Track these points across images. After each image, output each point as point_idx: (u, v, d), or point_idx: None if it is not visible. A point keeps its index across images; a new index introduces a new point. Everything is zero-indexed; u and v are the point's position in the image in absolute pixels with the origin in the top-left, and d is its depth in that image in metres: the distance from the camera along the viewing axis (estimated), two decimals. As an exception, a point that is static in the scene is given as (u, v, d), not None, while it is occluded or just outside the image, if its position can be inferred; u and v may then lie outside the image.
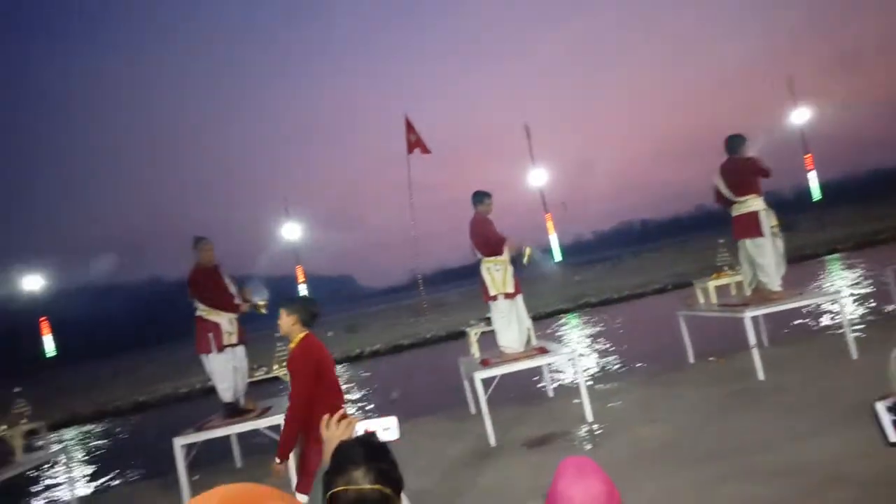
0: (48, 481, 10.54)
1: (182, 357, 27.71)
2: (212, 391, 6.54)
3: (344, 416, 1.72)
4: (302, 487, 3.52)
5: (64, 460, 7.34)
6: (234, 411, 6.14)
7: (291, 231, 28.21)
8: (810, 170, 30.81)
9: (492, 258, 6.52)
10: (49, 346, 26.47)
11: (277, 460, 3.47)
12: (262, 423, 5.85)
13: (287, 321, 3.61)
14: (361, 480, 1.27)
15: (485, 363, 6.42)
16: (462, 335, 9.31)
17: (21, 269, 25.84)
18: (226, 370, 6.10)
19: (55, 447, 7.74)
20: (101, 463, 12.42)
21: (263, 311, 6.04)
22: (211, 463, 6.98)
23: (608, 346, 13.25)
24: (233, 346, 6.11)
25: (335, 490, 1.27)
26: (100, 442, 15.35)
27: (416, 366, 17.85)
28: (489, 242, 6.52)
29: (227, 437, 6.58)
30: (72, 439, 15.94)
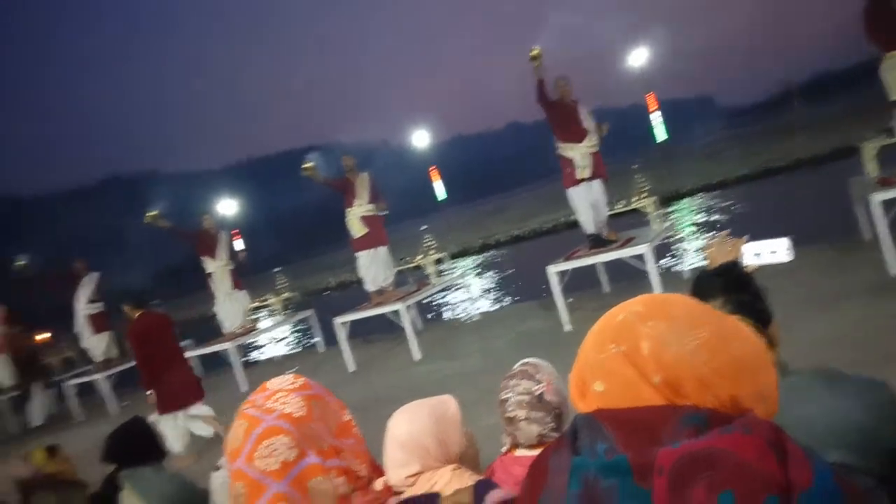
0: (455, 300, 13.01)
1: (547, 193, 29.97)
2: (576, 224, 7.00)
3: (727, 237, 1.63)
4: (160, 409, 5.08)
5: (466, 283, 8.91)
6: (598, 242, 6.49)
7: (638, 56, 26.62)
8: None
9: (895, 51, 5.20)
10: (440, 190, 31.17)
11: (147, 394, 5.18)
12: (624, 253, 6.08)
13: (126, 310, 5.24)
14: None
15: (885, 182, 5.37)
16: (852, 152, 7.84)
17: (411, 127, 30.44)
18: (583, 203, 6.46)
19: (458, 273, 9.41)
20: (492, 287, 14.71)
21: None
22: (580, 288, 7.62)
23: None
24: (588, 180, 6.37)
25: None
26: (488, 271, 18.05)
27: (793, 190, 15.98)
28: (888, 30, 5.16)
29: (593, 266, 7.05)
30: (467, 267, 19.08)
